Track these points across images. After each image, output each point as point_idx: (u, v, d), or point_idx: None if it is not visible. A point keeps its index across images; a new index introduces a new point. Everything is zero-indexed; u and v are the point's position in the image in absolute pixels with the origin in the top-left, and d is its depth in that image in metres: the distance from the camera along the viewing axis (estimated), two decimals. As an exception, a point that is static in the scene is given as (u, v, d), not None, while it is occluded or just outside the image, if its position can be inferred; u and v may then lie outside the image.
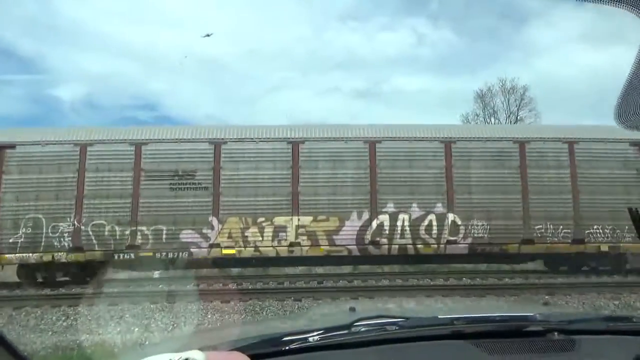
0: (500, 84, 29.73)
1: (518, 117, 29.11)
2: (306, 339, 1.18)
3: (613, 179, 11.26)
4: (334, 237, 10.69)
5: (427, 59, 46.27)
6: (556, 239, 11.04)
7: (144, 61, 50.68)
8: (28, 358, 0.85)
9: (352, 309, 1.60)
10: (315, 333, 1.21)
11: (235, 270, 11.63)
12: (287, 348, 1.16)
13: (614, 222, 10.97)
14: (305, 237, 10.65)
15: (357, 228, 10.76)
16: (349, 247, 10.69)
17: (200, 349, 0.98)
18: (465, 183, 11.09)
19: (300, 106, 42.97)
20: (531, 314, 1.39)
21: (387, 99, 43.90)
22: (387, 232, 10.80)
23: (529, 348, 1.15)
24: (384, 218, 10.84)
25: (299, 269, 11.96)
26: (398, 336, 1.22)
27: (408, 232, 10.83)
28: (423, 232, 10.88)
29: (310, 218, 10.71)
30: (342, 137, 11.12)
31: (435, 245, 10.85)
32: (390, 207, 10.90)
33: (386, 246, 10.77)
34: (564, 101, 38.09)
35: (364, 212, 10.83)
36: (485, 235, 10.93)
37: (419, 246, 10.83)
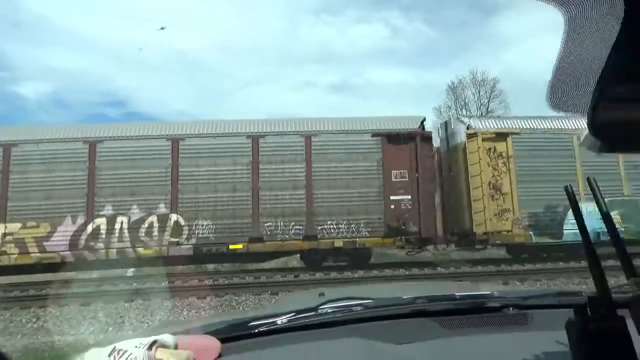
0: (471, 76, 30.10)
1: (489, 109, 29.46)
2: (274, 322, 1.22)
3: (352, 172, 10.90)
4: (45, 243, 10.23)
5: (401, 52, 47.08)
6: (287, 236, 10.71)
7: (113, 57, 49.57)
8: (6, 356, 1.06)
9: (322, 294, 1.61)
10: (283, 317, 1.24)
11: (211, 266, 11.74)
12: (256, 331, 1.20)
13: (350, 217, 10.69)
14: (12, 245, 10.17)
15: (71, 233, 10.31)
16: (61, 253, 10.24)
17: (172, 334, 0.98)
18: (191, 182, 10.67)
19: (275, 101, 42.15)
20: (489, 292, 1.47)
21: (363, 93, 44.34)
22: (103, 236, 10.37)
23: (486, 322, 1.21)
24: (101, 221, 10.40)
25: (274, 262, 11.82)
26: (363, 316, 1.27)
27: (126, 235, 10.41)
28: (143, 234, 10.47)
29: (19, 225, 10.23)
30: (57, 139, 10.61)
31: (157, 248, 10.45)
32: (109, 210, 10.46)
33: (103, 250, 10.34)
34: (532, 93, 38.38)
35: (78, 216, 10.37)
36: (211, 236, 10.55)
37: (139, 249, 10.42)
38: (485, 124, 11.66)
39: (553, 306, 1.33)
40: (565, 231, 10.70)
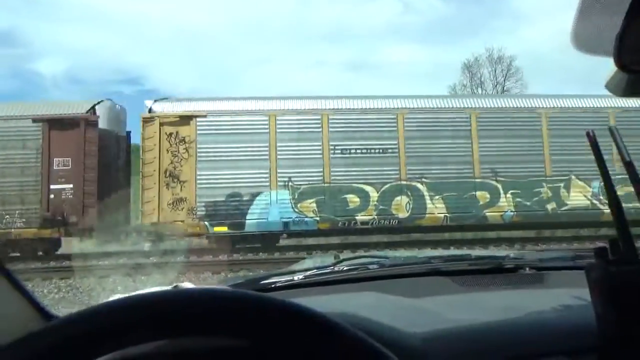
0: (487, 54, 29.02)
1: (505, 88, 28.41)
2: (291, 278, 1.26)
3: (10, 160, 9.98)
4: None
5: (415, 29, 46.36)
6: None
7: (126, 34, 49.49)
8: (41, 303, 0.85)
9: (337, 256, 1.62)
10: (300, 273, 1.29)
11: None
12: (273, 286, 1.22)
13: (4, 208, 9.89)
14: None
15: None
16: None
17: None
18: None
19: (286, 80, 42.30)
20: (505, 254, 1.50)
21: (376, 71, 44.29)
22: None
23: (502, 281, 1.23)
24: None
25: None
26: (379, 274, 1.29)
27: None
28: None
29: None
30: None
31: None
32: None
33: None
34: (551, 71, 37.55)
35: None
36: None
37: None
38: (174, 107, 10.39)
39: (569, 267, 1.33)
40: (247, 221, 9.97)
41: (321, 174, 10.22)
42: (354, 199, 10.24)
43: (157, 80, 53.35)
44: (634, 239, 0.76)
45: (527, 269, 1.30)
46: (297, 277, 1.26)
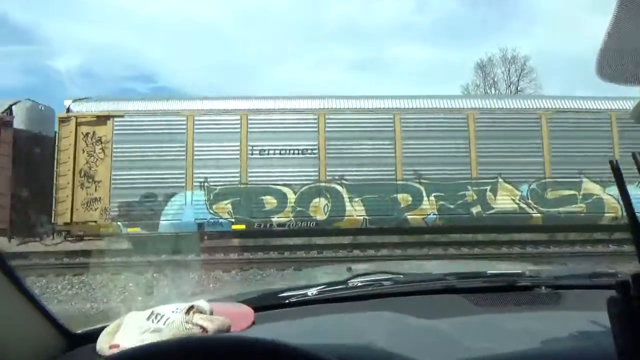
0: (501, 53, 28.92)
1: (518, 88, 28.39)
2: (305, 293, 1.25)
3: None
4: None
5: (428, 28, 45.06)
6: None
7: (140, 31, 48.52)
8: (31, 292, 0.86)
9: (349, 269, 1.62)
10: (313, 289, 1.28)
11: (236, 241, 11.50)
12: (287, 301, 1.23)
13: None
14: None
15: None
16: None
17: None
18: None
19: (298, 77, 41.80)
20: (520, 271, 1.46)
21: (386, 70, 43.13)
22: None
23: (518, 301, 1.21)
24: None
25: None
26: (393, 291, 1.28)
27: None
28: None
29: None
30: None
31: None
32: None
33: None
34: (566, 71, 36.65)
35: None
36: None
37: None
38: (92, 107, 10.29)
39: (587, 287, 1.30)
40: (162, 222, 9.89)
41: (238, 175, 10.13)
42: (270, 201, 10.13)
43: (171, 78, 53.81)
44: None
45: (543, 287, 1.28)
46: (311, 293, 1.25)
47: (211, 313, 0.97)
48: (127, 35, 49.62)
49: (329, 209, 10.19)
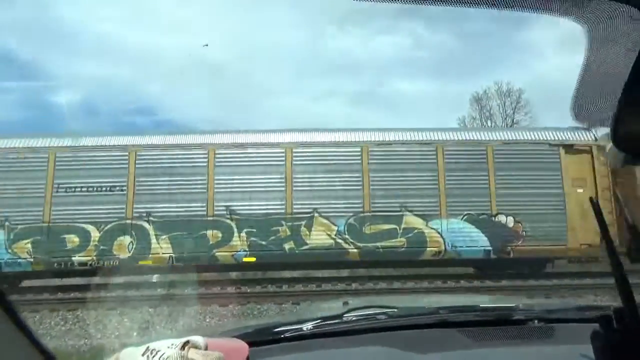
0: (496, 87, 29.72)
1: (514, 120, 29.07)
2: (300, 328, 1.26)
3: None
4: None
5: (425, 63, 45.10)
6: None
7: (140, 66, 50.57)
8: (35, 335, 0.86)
9: (346, 303, 1.63)
10: (309, 323, 1.28)
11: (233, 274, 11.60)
12: (282, 336, 1.23)
13: None
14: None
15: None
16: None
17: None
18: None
19: (296, 111, 42.87)
20: (513, 305, 1.48)
21: (385, 104, 43.55)
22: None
23: (511, 335, 1.23)
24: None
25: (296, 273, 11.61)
26: (387, 325, 1.29)
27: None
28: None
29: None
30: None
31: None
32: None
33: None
34: (562, 103, 39.01)
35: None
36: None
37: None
38: None
39: (578, 320, 1.32)
40: None
41: (41, 213, 9.99)
42: (73, 239, 9.95)
43: (171, 111, 53.76)
44: (636, 306, 0.76)
45: (536, 321, 1.30)
46: (306, 327, 1.26)
47: (206, 348, 0.97)
48: (128, 70, 50.58)
49: (134, 246, 10.00)
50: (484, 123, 28.90)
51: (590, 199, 0.84)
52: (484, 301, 1.75)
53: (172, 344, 0.96)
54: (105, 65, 47.68)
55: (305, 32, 51.30)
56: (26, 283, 10.42)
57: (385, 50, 47.20)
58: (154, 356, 0.94)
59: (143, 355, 0.95)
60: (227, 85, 48.83)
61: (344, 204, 10.45)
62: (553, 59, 41.35)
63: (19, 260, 9.83)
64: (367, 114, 41.94)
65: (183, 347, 0.94)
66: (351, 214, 10.43)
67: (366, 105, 45.39)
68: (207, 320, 8.16)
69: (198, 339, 0.98)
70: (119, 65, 49.63)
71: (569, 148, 10.75)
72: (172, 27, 49.16)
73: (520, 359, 1.08)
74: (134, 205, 10.13)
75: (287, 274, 11.48)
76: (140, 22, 50.32)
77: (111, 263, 9.95)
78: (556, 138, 10.90)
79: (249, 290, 9.80)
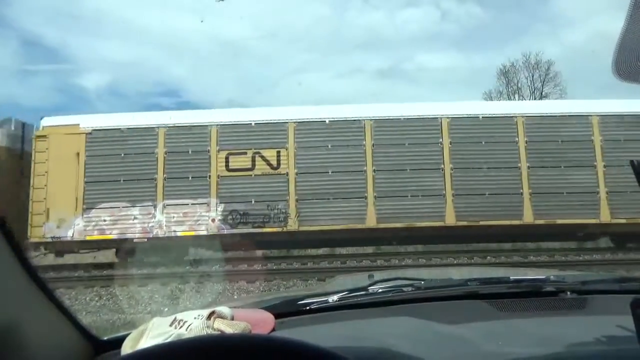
0: (524, 59, 28.59)
1: (543, 93, 27.98)
2: (326, 300, 1.26)
3: None
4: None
5: (451, 35, 44.65)
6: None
7: (164, 47, 50.88)
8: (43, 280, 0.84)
9: (371, 276, 1.55)
10: (334, 295, 1.28)
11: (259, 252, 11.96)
12: (308, 308, 1.24)
13: None
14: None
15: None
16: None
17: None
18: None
19: (322, 88, 41.82)
20: (544, 277, 1.42)
21: (411, 78, 43.45)
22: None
23: (542, 306, 1.19)
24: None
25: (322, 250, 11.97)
26: (414, 297, 1.28)
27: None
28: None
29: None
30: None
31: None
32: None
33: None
34: (595, 74, 33.06)
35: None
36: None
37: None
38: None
39: (613, 292, 1.30)
40: None
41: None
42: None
43: (196, 92, 54.43)
44: None
45: (569, 292, 1.28)
46: (332, 299, 1.27)
47: (232, 318, 1.00)
48: (152, 53, 50.78)
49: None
50: (512, 97, 27.85)
51: (631, 161, 0.77)
52: (514, 273, 1.57)
53: (199, 315, 0.99)
54: (130, 48, 48.27)
55: (329, 7, 49.19)
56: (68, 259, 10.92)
57: (410, 24, 44.19)
58: (181, 326, 0.97)
59: (171, 325, 0.98)
60: (250, 65, 47.40)
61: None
62: (583, 28, 37.62)
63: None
64: (392, 89, 40.25)
65: (209, 317, 0.97)
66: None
67: (392, 80, 42.65)
68: (235, 297, 8.43)
69: (224, 310, 1.01)
70: (144, 47, 49.41)
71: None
72: (194, 6, 48.25)
73: (553, 329, 1.02)
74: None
75: (312, 251, 11.71)
76: (163, 3, 50.36)
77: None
78: None
79: (274, 267, 10.19)
